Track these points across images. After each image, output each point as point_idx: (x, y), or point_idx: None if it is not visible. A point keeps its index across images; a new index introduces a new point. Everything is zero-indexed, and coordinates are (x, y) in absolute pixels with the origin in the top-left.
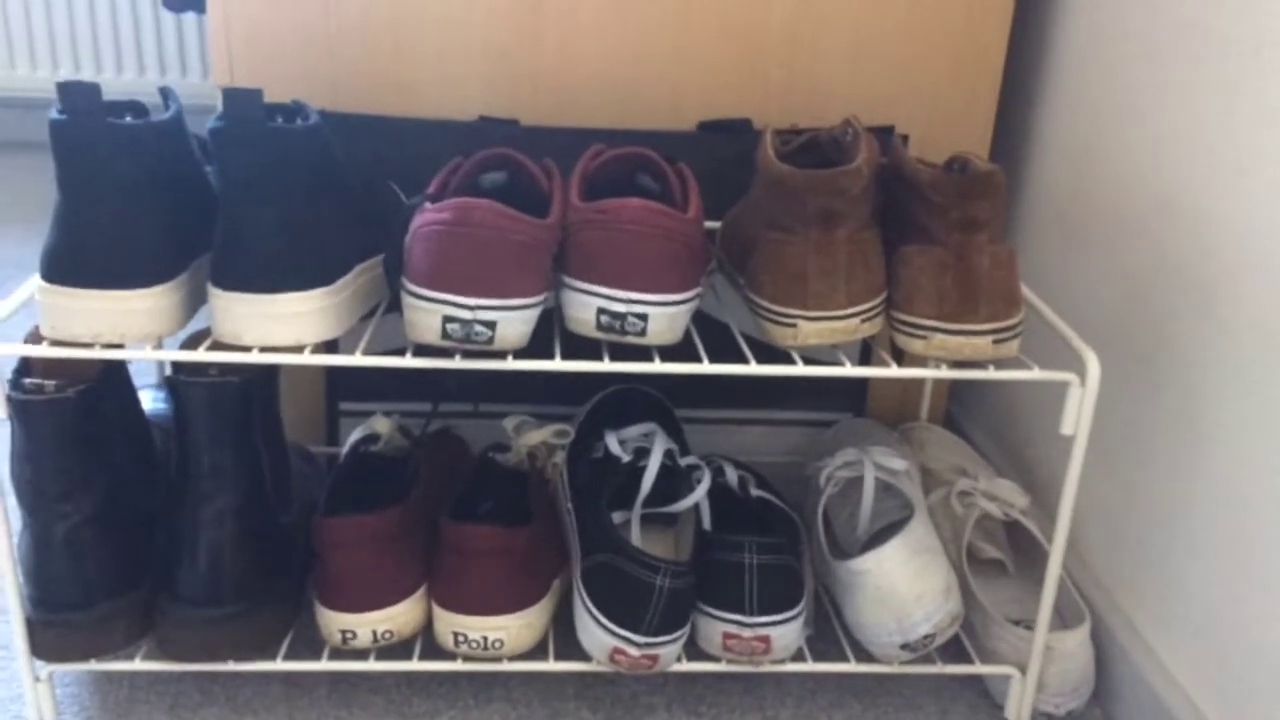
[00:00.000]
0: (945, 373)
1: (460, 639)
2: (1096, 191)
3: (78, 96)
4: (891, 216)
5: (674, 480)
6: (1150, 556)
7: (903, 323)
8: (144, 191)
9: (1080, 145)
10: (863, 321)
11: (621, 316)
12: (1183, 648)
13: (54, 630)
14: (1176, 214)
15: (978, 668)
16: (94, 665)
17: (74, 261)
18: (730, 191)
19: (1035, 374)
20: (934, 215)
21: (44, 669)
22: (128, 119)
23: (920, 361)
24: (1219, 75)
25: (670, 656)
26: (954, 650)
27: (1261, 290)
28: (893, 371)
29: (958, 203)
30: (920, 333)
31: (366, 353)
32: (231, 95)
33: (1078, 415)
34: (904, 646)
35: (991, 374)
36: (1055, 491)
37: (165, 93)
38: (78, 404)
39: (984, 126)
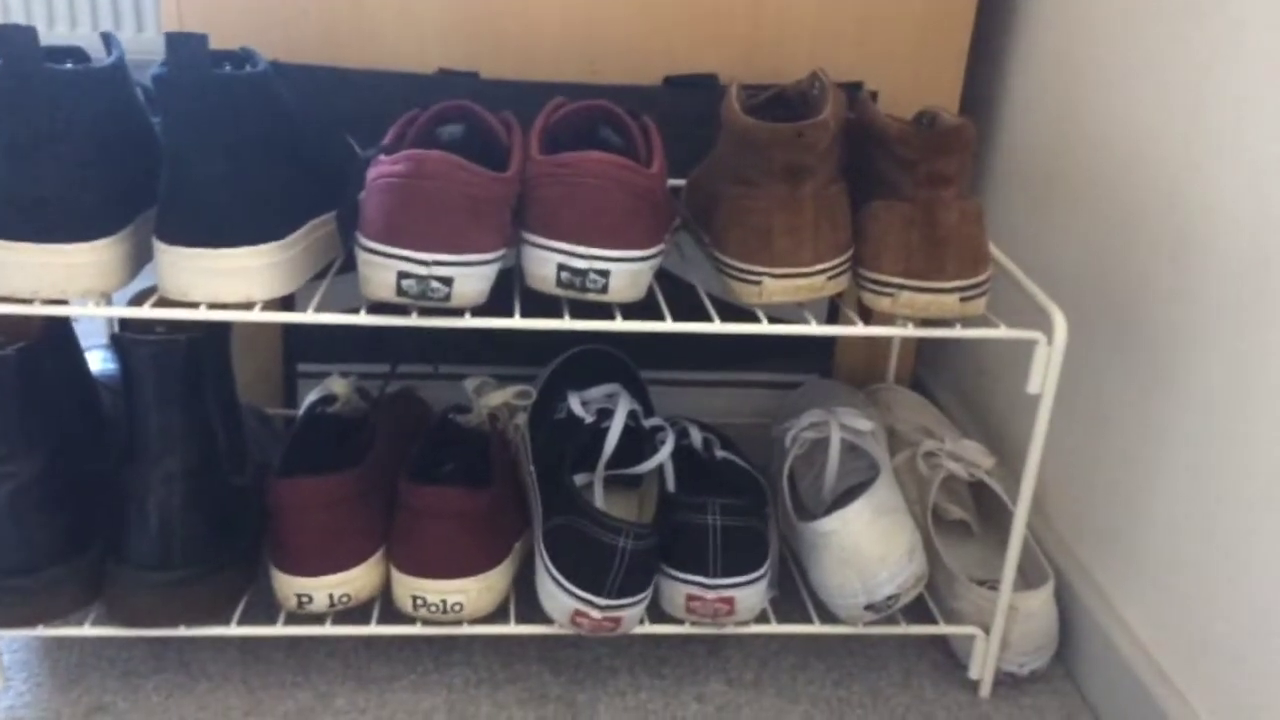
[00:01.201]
0: (912, 331)
1: (419, 602)
2: (1066, 148)
3: (14, 41)
4: (858, 172)
5: (638, 442)
6: (1114, 516)
7: (869, 280)
8: (85, 141)
9: (1050, 102)
10: (829, 279)
11: (582, 273)
12: (1146, 608)
13: None
14: (1146, 171)
15: (942, 628)
16: (42, 631)
17: (11, 214)
18: (696, 148)
19: (1002, 332)
20: (901, 170)
21: None
22: (69, 65)
23: (887, 320)
24: (1193, 32)
25: (633, 619)
26: (918, 611)
27: (1230, 249)
28: (859, 330)
29: (925, 157)
30: (887, 290)
31: (320, 312)
32: (175, 40)
33: (1044, 374)
34: (868, 607)
35: (958, 332)
36: (1021, 452)
37: (107, 39)
38: (19, 362)
39: (953, 83)
